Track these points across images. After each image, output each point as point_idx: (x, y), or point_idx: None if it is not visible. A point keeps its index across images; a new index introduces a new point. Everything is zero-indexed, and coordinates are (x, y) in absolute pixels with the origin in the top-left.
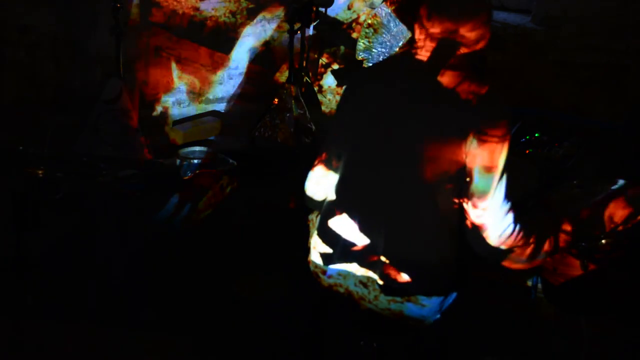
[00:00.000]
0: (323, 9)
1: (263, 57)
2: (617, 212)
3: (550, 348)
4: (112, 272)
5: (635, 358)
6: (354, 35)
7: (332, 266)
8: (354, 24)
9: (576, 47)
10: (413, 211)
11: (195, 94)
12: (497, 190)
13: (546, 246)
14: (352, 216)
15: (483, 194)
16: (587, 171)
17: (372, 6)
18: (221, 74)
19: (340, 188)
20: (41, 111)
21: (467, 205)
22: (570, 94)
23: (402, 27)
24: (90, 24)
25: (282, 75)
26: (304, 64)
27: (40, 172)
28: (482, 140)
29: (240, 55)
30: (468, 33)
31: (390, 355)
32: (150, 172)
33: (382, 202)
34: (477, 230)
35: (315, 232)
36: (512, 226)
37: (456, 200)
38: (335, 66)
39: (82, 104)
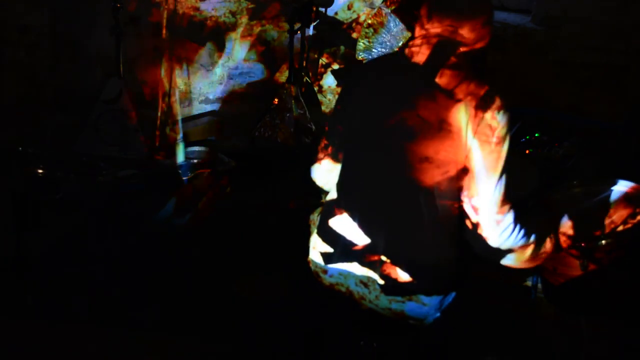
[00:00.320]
0: (323, 9)
1: (263, 57)
2: (617, 212)
3: (550, 348)
4: (112, 272)
5: (635, 358)
6: (354, 35)
7: (332, 265)
8: (354, 24)
9: (576, 47)
10: (413, 211)
11: (195, 94)
12: (497, 191)
13: (546, 246)
14: (352, 216)
15: (483, 194)
16: (587, 171)
17: (372, 6)
18: (221, 74)
19: (340, 187)
20: (41, 111)
21: (467, 206)
22: (570, 94)
23: (402, 27)
24: (90, 24)
25: (282, 75)
26: (304, 64)
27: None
28: (482, 141)
29: (240, 55)
30: (468, 33)
31: (390, 355)
32: (150, 172)
33: (382, 201)
34: (477, 230)
35: (316, 232)
36: (512, 226)
37: (456, 201)
38: (335, 66)
39: (82, 104)
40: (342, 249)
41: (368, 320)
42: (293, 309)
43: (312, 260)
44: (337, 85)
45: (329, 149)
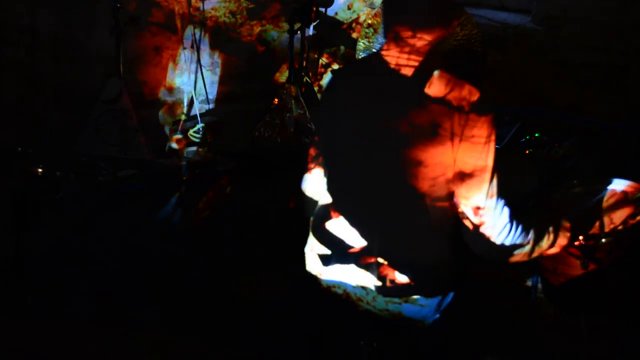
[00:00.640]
0: (323, 9)
1: (263, 57)
2: (617, 212)
3: (550, 348)
4: (112, 272)
5: (635, 358)
6: (354, 35)
7: (329, 267)
8: (354, 24)
9: (576, 47)
10: (408, 214)
11: (195, 94)
12: (490, 190)
13: (545, 242)
14: (348, 218)
15: (476, 195)
16: (587, 171)
17: (372, 6)
18: (221, 74)
19: (335, 192)
20: (41, 111)
21: (466, 207)
22: (570, 94)
23: None
24: (90, 24)
25: (282, 75)
26: (304, 64)
27: (40, 171)
28: (472, 143)
29: (240, 55)
30: (426, 34)
31: (390, 355)
32: (150, 172)
33: (377, 204)
34: (478, 230)
35: (312, 234)
36: (509, 224)
37: (451, 202)
38: (335, 66)
39: (82, 104)
40: (339, 251)
41: (367, 322)
42: (293, 309)
43: (310, 263)
44: None
45: (320, 158)
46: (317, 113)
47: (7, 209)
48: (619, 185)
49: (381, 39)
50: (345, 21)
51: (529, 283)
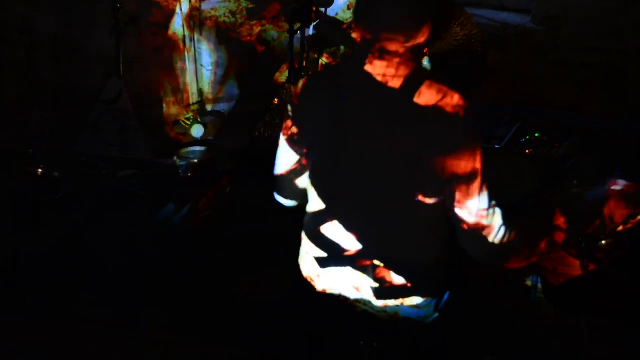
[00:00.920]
0: (323, 9)
1: (263, 57)
2: (617, 212)
3: (550, 348)
4: (112, 272)
5: (635, 358)
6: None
7: (325, 270)
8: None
9: (576, 47)
10: (401, 218)
11: (195, 94)
12: (483, 193)
13: (542, 243)
14: (342, 222)
15: (469, 198)
16: (587, 171)
17: None
18: (221, 74)
19: (328, 197)
20: (41, 111)
21: (458, 210)
22: (570, 94)
23: None
24: (90, 24)
25: (282, 75)
26: (304, 64)
27: (40, 171)
28: (459, 146)
29: (240, 55)
30: (423, 36)
31: (390, 355)
32: (150, 172)
33: (371, 208)
34: (471, 233)
35: (307, 238)
36: (503, 226)
37: (443, 206)
38: None
39: (82, 104)
40: (335, 254)
41: (364, 323)
42: (293, 309)
43: (306, 265)
44: None
45: (305, 153)
46: (300, 113)
47: (7, 209)
48: (618, 185)
49: None
50: (345, 21)
51: (529, 283)
